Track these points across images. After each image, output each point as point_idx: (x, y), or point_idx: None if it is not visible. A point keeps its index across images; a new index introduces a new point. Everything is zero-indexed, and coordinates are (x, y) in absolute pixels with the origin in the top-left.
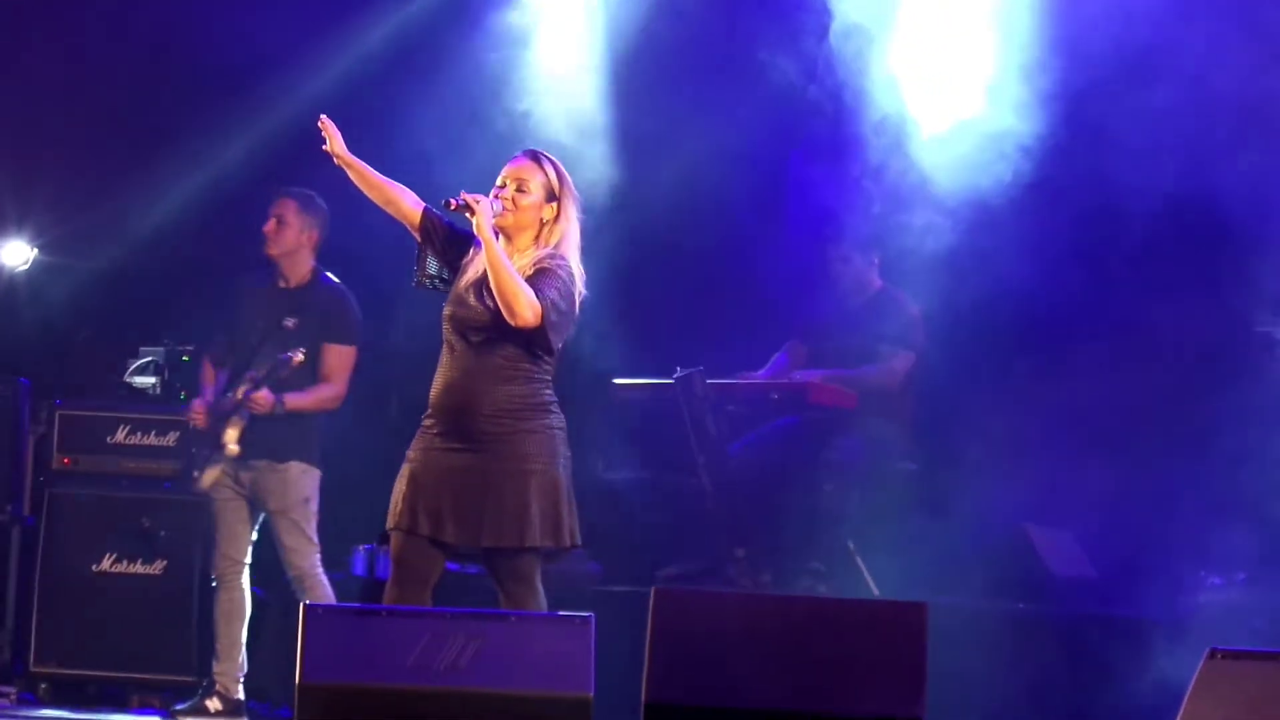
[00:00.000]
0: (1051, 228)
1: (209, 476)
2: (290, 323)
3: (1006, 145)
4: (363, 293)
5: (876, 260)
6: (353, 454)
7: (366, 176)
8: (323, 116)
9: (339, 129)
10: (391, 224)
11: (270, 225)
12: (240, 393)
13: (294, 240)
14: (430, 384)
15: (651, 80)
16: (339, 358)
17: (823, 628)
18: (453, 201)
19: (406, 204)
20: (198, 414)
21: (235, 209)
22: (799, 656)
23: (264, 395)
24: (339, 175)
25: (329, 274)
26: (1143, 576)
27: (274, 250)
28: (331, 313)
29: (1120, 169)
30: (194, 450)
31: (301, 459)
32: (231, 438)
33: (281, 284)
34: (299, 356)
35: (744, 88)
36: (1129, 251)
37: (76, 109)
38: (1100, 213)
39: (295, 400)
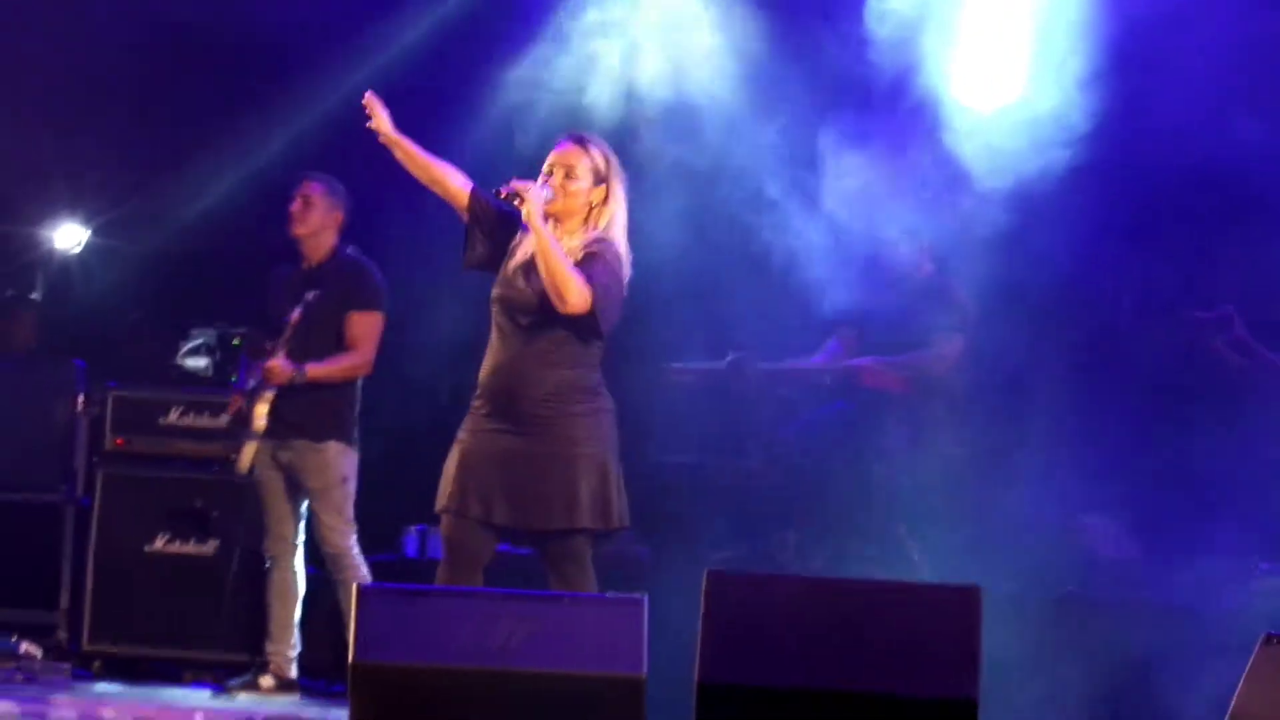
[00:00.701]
0: (1100, 210)
1: (245, 457)
2: (311, 295)
3: (1051, 128)
4: (413, 273)
5: (926, 246)
6: (403, 435)
7: (413, 155)
8: (368, 94)
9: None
10: (440, 206)
11: (296, 205)
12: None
13: (319, 221)
14: (478, 366)
15: (699, 63)
16: (363, 325)
17: (876, 610)
18: (503, 190)
19: (454, 184)
20: (233, 400)
21: (285, 193)
22: (851, 638)
23: (279, 364)
24: (384, 158)
25: (351, 249)
26: (1193, 562)
27: (300, 230)
28: (351, 281)
29: (1164, 149)
30: (232, 434)
31: (339, 439)
32: (260, 414)
33: (305, 265)
34: (295, 315)
35: (793, 71)
36: (1176, 231)
37: (128, 94)
38: (1146, 194)
39: (316, 368)
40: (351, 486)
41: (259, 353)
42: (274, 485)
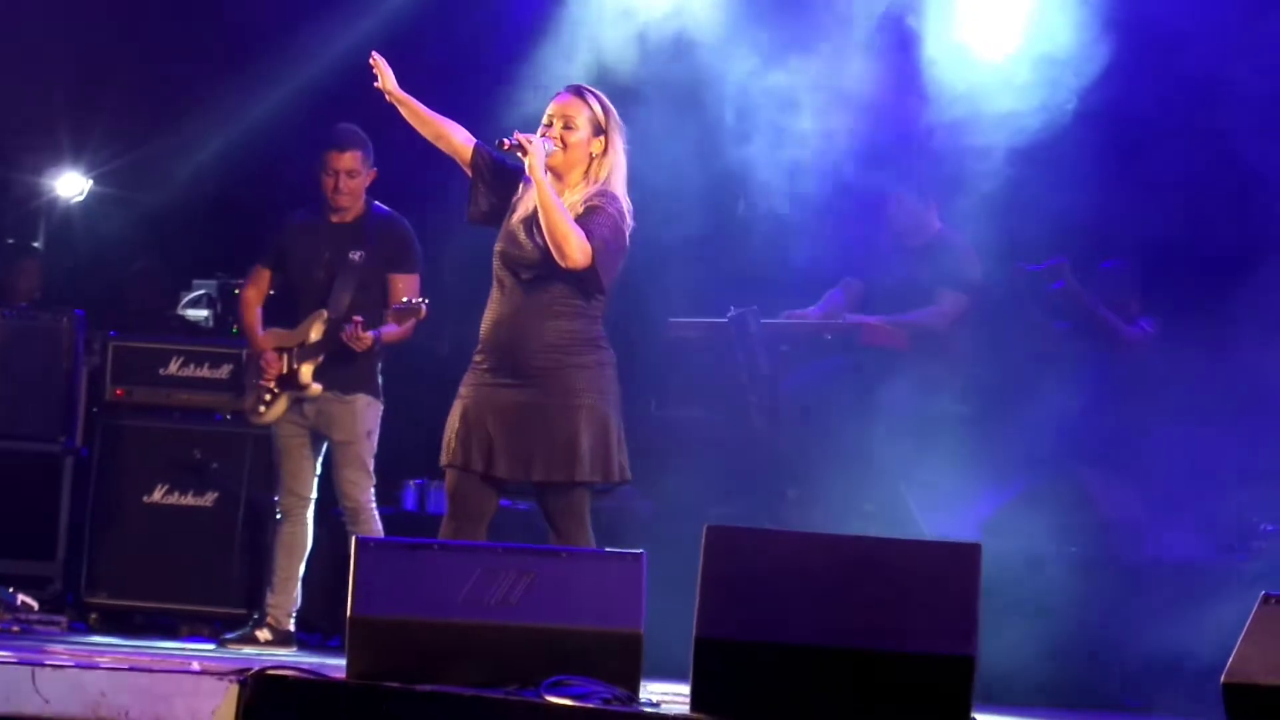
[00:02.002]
0: (1112, 159)
1: (276, 410)
2: (356, 256)
3: (1061, 74)
4: (414, 226)
5: (934, 202)
6: (403, 389)
7: (418, 112)
8: (374, 53)
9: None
10: (441, 160)
11: (342, 181)
12: (324, 328)
13: (362, 188)
14: (479, 319)
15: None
16: (408, 287)
17: (876, 567)
18: (505, 142)
19: (458, 139)
20: (270, 360)
21: (288, 144)
22: (851, 595)
23: (369, 336)
24: (387, 111)
25: (378, 203)
26: (1197, 522)
27: (346, 204)
28: (396, 243)
29: (1184, 97)
30: (254, 383)
31: (367, 392)
32: (308, 375)
33: (335, 219)
34: (424, 307)
35: (797, 19)
36: (1194, 180)
37: (132, 42)
38: (1160, 142)
39: (389, 334)
40: (374, 440)
41: (323, 319)
42: (295, 440)
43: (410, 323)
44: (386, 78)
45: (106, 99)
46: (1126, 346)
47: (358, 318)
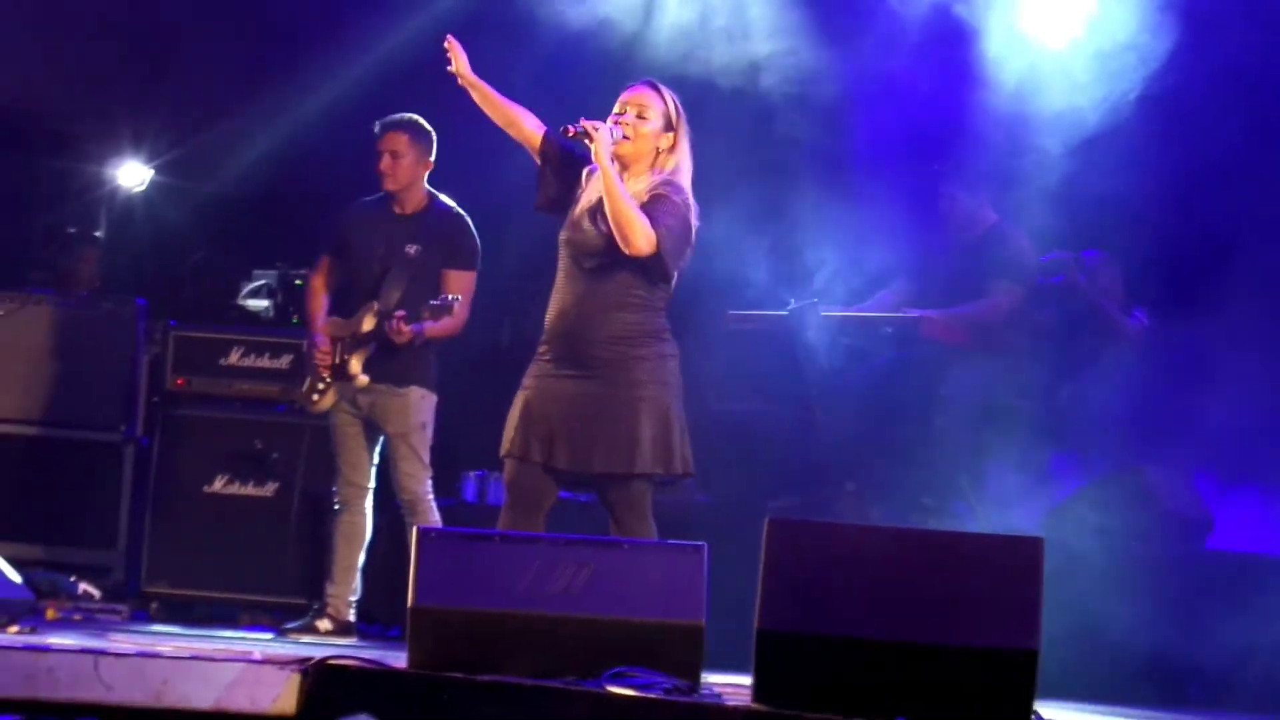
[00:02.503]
0: (1171, 147)
1: (328, 399)
2: (412, 250)
3: (1119, 63)
4: (476, 217)
5: (986, 196)
6: (463, 380)
7: (489, 98)
8: (449, 37)
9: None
10: (509, 147)
11: (386, 162)
12: (374, 321)
13: (410, 172)
14: (542, 310)
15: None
16: (461, 284)
17: (937, 560)
18: (572, 128)
19: (528, 126)
20: (324, 352)
21: (350, 134)
22: (913, 588)
23: (410, 330)
24: (452, 99)
25: (443, 198)
26: (1259, 515)
27: (391, 185)
28: (453, 239)
29: (1232, 86)
30: (310, 372)
31: (421, 384)
32: (357, 367)
33: (397, 209)
34: (458, 305)
35: (849, 10)
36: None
37: (193, 32)
38: (1213, 132)
39: (432, 329)
40: (430, 431)
41: (374, 311)
42: (351, 429)
43: (450, 320)
44: (460, 61)
45: (168, 88)
46: (1127, 339)
47: (400, 312)
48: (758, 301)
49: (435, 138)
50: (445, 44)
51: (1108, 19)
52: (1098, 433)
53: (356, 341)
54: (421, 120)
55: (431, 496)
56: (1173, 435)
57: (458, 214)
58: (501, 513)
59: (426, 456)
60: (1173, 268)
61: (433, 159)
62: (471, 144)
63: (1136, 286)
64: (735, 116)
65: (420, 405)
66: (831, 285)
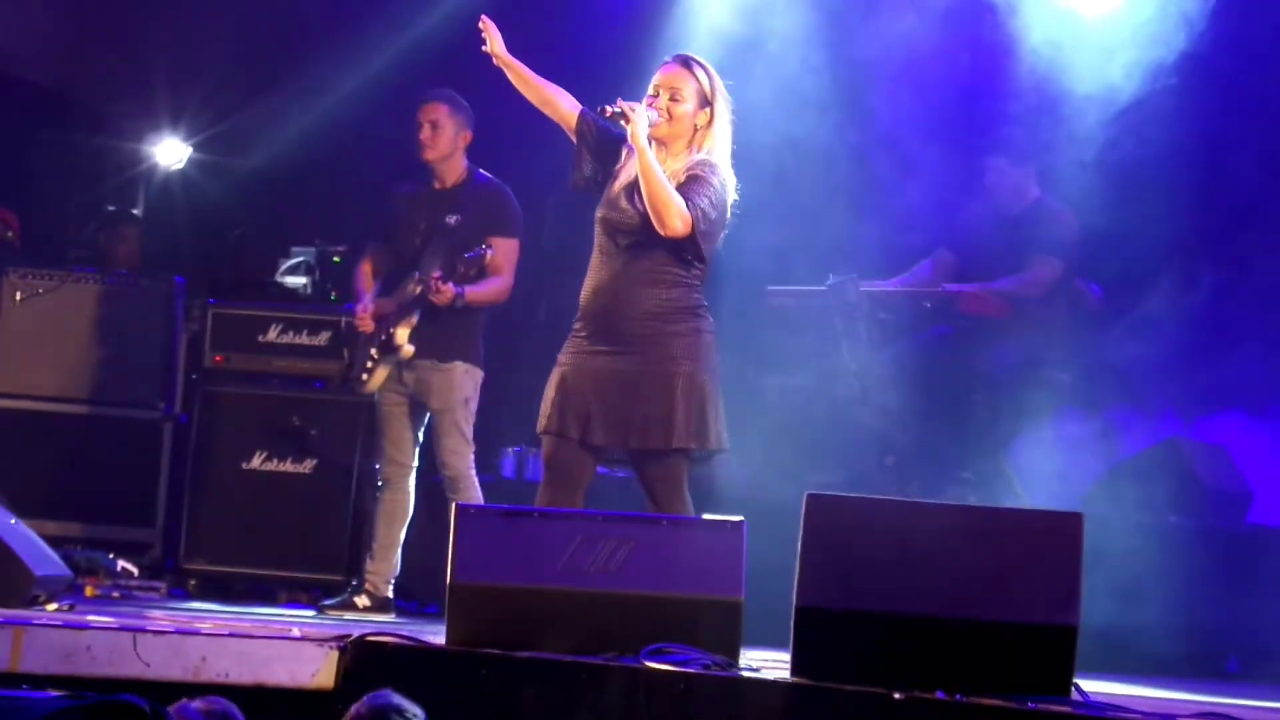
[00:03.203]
0: (1217, 123)
1: (377, 378)
2: (452, 220)
3: (1158, 33)
4: (516, 195)
5: (1033, 170)
6: (500, 357)
7: (525, 77)
8: (483, 17)
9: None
10: (544, 125)
11: (425, 132)
12: (417, 289)
13: (449, 143)
14: (577, 288)
15: None
16: (504, 251)
17: (977, 535)
18: (608, 108)
19: (564, 105)
20: (364, 319)
21: (387, 110)
22: (952, 563)
23: (449, 288)
24: (487, 76)
25: (481, 170)
26: None
27: (431, 155)
28: (493, 207)
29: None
30: (358, 352)
31: (465, 359)
32: (403, 337)
33: (437, 184)
34: (490, 253)
35: None
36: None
37: (230, 8)
38: (1252, 106)
39: (474, 293)
40: (473, 407)
41: (414, 279)
42: (396, 407)
43: (493, 286)
44: (495, 41)
45: (205, 66)
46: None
47: (437, 273)
48: (796, 276)
49: (472, 113)
50: (480, 24)
51: None
52: (1134, 403)
53: (401, 312)
54: (458, 95)
55: (474, 473)
56: (1210, 403)
57: (496, 184)
58: (539, 489)
59: (469, 432)
60: (1207, 232)
61: (470, 132)
62: (507, 122)
63: (1170, 251)
64: (776, 88)
65: (464, 381)
66: (870, 259)
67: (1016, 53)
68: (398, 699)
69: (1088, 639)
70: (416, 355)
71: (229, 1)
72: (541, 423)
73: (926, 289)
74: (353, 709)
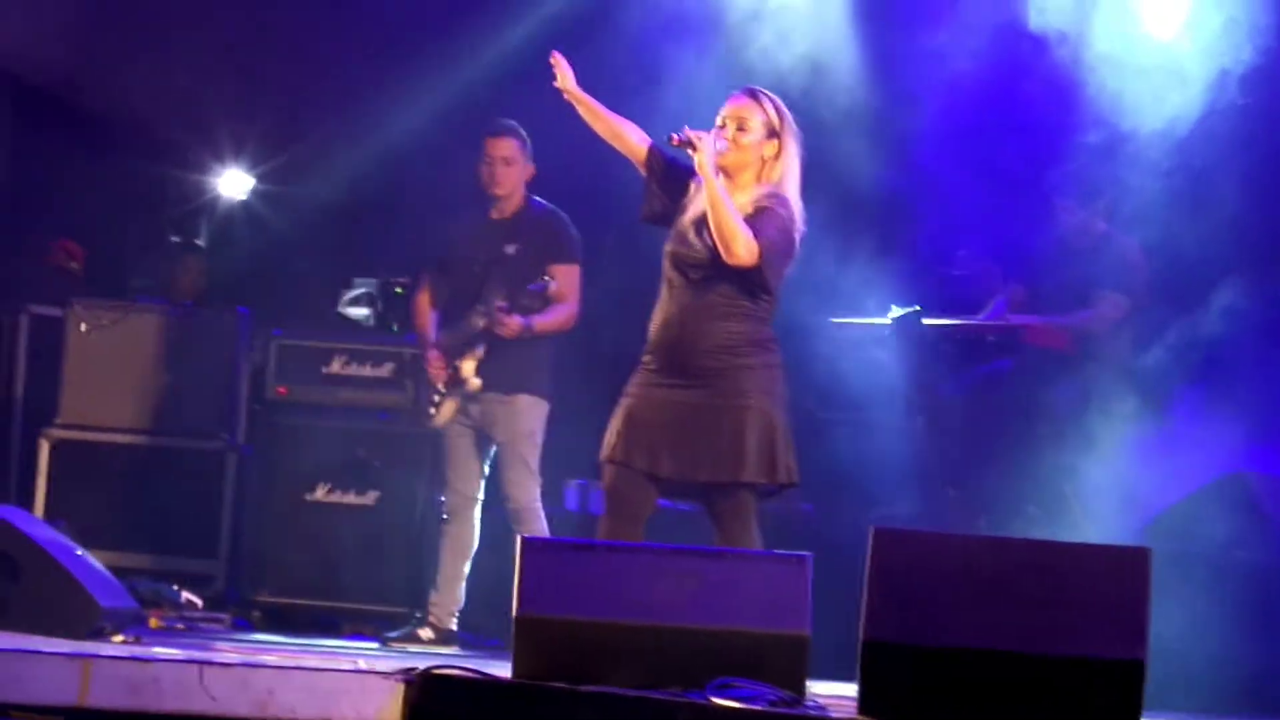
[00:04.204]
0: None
1: (445, 412)
2: (511, 249)
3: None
4: (577, 227)
5: (1102, 205)
6: (563, 388)
7: (595, 111)
8: (555, 53)
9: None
10: (603, 160)
11: (499, 168)
12: (480, 321)
13: (518, 177)
14: (640, 319)
15: (883, 12)
16: (567, 277)
17: (1044, 570)
18: (675, 137)
19: (633, 139)
20: (436, 364)
21: (449, 143)
22: (1019, 598)
23: (515, 320)
24: (552, 110)
25: (537, 198)
26: None
27: (501, 191)
28: (551, 234)
29: None
30: (425, 386)
31: (531, 391)
32: (469, 371)
33: (495, 215)
34: (553, 284)
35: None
36: None
37: (295, 39)
38: None
39: (542, 322)
40: (539, 439)
41: (478, 312)
42: (461, 438)
43: (563, 309)
44: (566, 76)
45: (268, 97)
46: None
47: (501, 304)
48: (860, 308)
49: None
50: (551, 59)
51: (1207, 19)
52: (1200, 437)
53: (466, 346)
54: (521, 129)
55: (539, 506)
56: (1277, 437)
57: (554, 211)
58: (600, 521)
59: (535, 465)
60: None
61: (533, 165)
62: (572, 154)
63: (1233, 264)
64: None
65: (529, 413)
66: (933, 293)
67: (1083, 83)
68: None
69: (1153, 674)
70: (483, 387)
71: (292, 34)
72: (605, 451)
73: (988, 322)
74: None
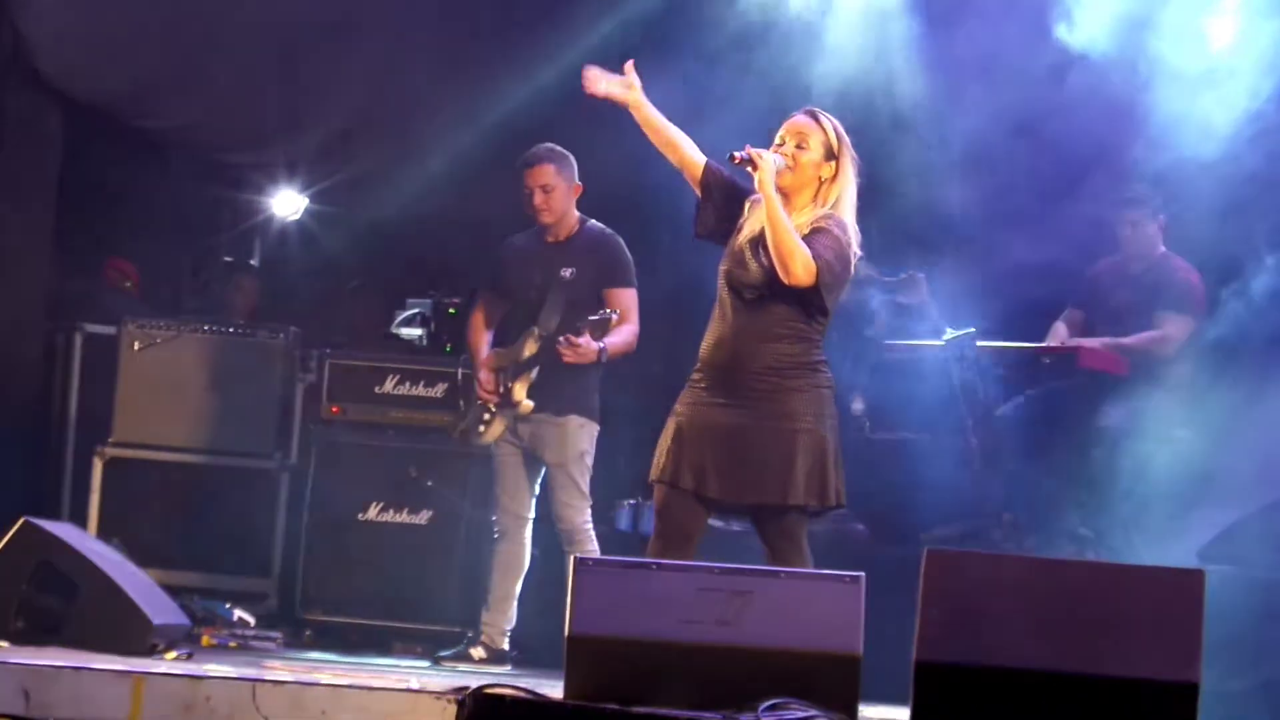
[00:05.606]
0: None
1: (494, 430)
2: (568, 273)
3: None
4: (628, 245)
5: (1162, 224)
6: (615, 408)
7: (653, 122)
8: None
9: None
10: (656, 178)
11: (539, 198)
12: (535, 346)
13: (564, 201)
14: (691, 339)
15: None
16: (625, 302)
17: (1098, 592)
18: (736, 155)
19: (689, 153)
20: (488, 385)
21: (502, 163)
22: (1073, 619)
23: (592, 344)
24: (601, 128)
25: (592, 220)
26: None
27: (549, 219)
28: (608, 258)
29: None
30: (474, 404)
31: (580, 413)
32: (521, 393)
33: (550, 238)
34: (614, 317)
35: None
36: None
37: (349, 60)
38: None
39: (614, 345)
40: (589, 460)
41: (535, 336)
42: (511, 459)
43: (628, 330)
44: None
45: (322, 117)
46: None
47: (566, 335)
48: (914, 331)
49: (575, 165)
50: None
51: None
52: (1254, 459)
53: (519, 368)
54: (559, 147)
55: (590, 527)
56: None
57: (609, 234)
58: (650, 540)
59: (585, 486)
60: None
61: (580, 183)
62: (623, 171)
63: None
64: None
65: (579, 434)
66: (990, 316)
67: (1141, 104)
68: None
69: (1205, 696)
70: (534, 409)
71: (345, 53)
72: (655, 471)
73: (1043, 345)
74: None
